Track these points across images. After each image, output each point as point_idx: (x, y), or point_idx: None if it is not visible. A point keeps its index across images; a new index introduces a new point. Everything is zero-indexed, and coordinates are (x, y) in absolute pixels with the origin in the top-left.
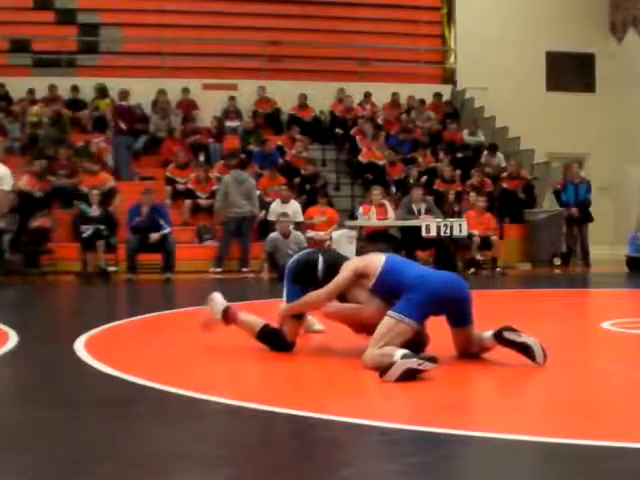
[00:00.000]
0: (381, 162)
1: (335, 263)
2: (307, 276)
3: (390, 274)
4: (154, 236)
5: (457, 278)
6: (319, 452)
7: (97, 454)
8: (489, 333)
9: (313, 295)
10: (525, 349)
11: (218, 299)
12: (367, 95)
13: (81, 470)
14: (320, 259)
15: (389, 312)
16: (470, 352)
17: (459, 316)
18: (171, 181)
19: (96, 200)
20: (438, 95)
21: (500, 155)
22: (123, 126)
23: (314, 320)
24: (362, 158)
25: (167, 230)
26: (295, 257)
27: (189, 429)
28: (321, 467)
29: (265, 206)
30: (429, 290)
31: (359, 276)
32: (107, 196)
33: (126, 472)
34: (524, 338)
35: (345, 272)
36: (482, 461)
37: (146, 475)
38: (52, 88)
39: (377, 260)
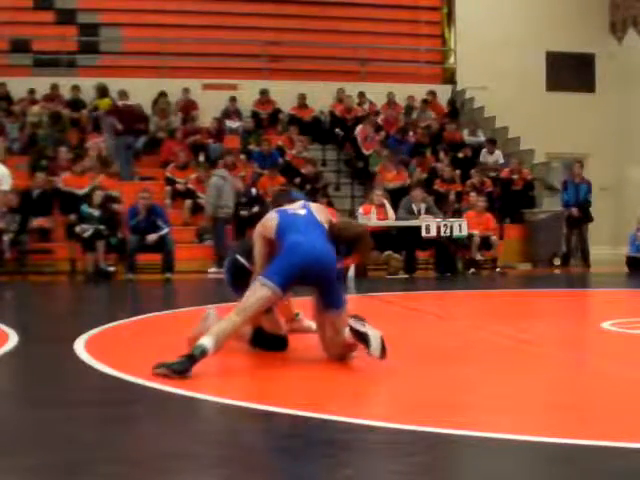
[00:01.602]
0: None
1: (251, 246)
2: (244, 276)
3: (281, 236)
4: (151, 237)
5: (326, 254)
6: (319, 452)
7: (97, 454)
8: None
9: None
10: (364, 339)
11: (211, 317)
12: (361, 95)
13: (81, 470)
14: (238, 256)
15: (258, 276)
16: (332, 350)
17: (323, 296)
18: (171, 181)
19: (97, 201)
20: (438, 95)
21: (498, 152)
22: (119, 126)
23: (311, 322)
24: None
25: (165, 230)
26: (224, 270)
27: (189, 429)
28: (321, 467)
29: (264, 205)
30: (296, 258)
31: (268, 239)
32: (88, 197)
33: (126, 472)
34: (366, 328)
35: (256, 243)
36: (482, 461)
37: (146, 475)
38: (52, 88)
39: (271, 222)
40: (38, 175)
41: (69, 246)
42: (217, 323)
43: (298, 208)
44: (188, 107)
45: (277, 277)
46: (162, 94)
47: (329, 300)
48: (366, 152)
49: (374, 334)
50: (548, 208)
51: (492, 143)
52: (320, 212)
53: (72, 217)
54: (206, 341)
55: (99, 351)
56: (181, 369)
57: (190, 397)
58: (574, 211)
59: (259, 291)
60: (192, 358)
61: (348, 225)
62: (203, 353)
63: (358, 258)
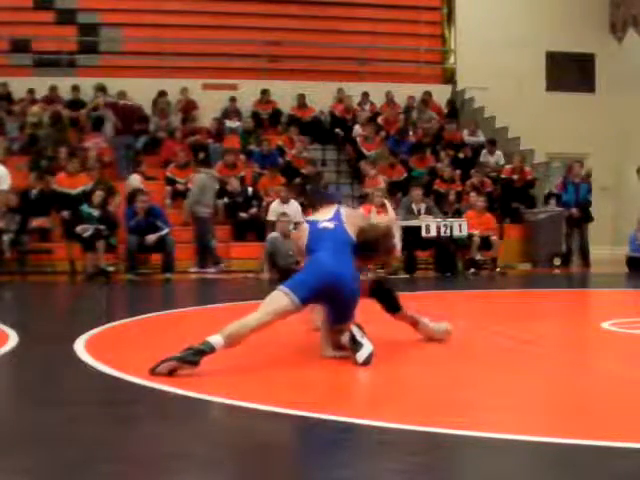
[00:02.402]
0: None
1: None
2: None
3: (309, 249)
4: (151, 238)
5: (344, 275)
6: (319, 452)
7: (97, 454)
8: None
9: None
10: (356, 346)
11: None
12: (365, 95)
13: (81, 470)
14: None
15: (280, 285)
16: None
17: (333, 313)
18: (171, 181)
19: (97, 201)
20: (438, 95)
21: (499, 153)
22: (119, 124)
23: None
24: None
25: (165, 231)
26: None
27: (189, 429)
28: (321, 467)
29: (263, 205)
30: (315, 275)
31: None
32: (88, 195)
33: (126, 472)
34: (363, 340)
35: (297, 252)
36: (482, 461)
37: (146, 475)
38: (53, 88)
39: (304, 232)
40: (32, 175)
41: (67, 246)
42: (232, 323)
43: (328, 221)
44: (188, 107)
45: (300, 290)
46: (162, 94)
47: (337, 317)
48: (367, 152)
49: (368, 347)
50: (548, 208)
51: (492, 144)
52: (352, 219)
53: (65, 215)
54: (214, 340)
55: (99, 351)
56: (192, 360)
57: (190, 397)
58: (574, 211)
59: (281, 301)
60: (202, 352)
61: (369, 228)
62: (211, 350)
63: (378, 261)
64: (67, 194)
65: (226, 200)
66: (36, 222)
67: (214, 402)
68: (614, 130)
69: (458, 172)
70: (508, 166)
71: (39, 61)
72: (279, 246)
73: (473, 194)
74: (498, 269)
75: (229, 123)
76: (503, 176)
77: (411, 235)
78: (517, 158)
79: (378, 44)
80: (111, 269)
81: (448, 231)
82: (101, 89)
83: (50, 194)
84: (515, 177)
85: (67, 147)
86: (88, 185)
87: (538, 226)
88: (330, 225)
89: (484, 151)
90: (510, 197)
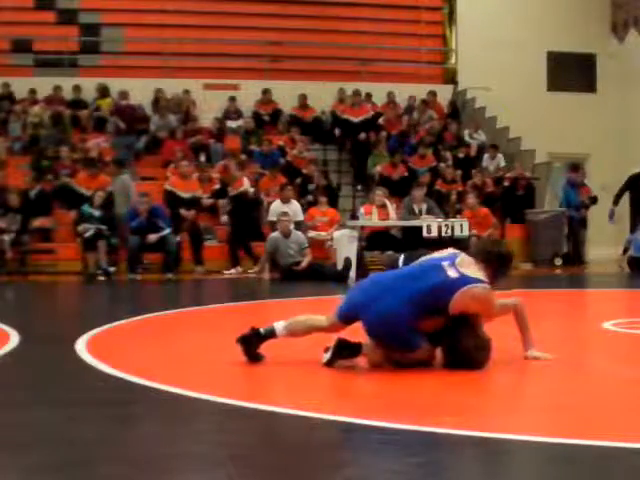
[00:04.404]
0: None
1: None
2: None
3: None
4: (152, 237)
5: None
6: (319, 452)
7: (97, 454)
8: None
9: None
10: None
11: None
12: (368, 96)
13: (81, 470)
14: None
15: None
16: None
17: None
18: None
19: (99, 201)
20: (439, 95)
21: (500, 156)
22: (122, 125)
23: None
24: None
25: (167, 231)
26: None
27: (189, 429)
28: (321, 467)
29: (261, 208)
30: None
31: None
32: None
33: (126, 472)
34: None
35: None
36: (482, 461)
37: (146, 475)
38: (55, 88)
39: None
40: (31, 175)
41: (75, 246)
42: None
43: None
44: (189, 107)
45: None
46: (163, 94)
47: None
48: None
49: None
50: (549, 208)
51: (494, 148)
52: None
53: (72, 214)
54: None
55: (100, 351)
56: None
57: (190, 397)
58: (584, 212)
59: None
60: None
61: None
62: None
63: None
64: (81, 194)
65: (227, 201)
66: (38, 222)
67: (214, 402)
68: (615, 130)
69: (459, 172)
70: (509, 174)
71: (40, 61)
72: (280, 246)
73: (470, 196)
74: None
75: (230, 123)
76: (505, 184)
77: (412, 235)
78: (517, 165)
79: (379, 44)
80: (112, 269)
81: (449, 231)
82: (103, 89)
83: (50, 193)
84: (517, 176)
85: (70, 147)
86: (105, 187)
87: (539, 226)
88: (453, 275)
89: (486, 156)
90: (512, 201)
